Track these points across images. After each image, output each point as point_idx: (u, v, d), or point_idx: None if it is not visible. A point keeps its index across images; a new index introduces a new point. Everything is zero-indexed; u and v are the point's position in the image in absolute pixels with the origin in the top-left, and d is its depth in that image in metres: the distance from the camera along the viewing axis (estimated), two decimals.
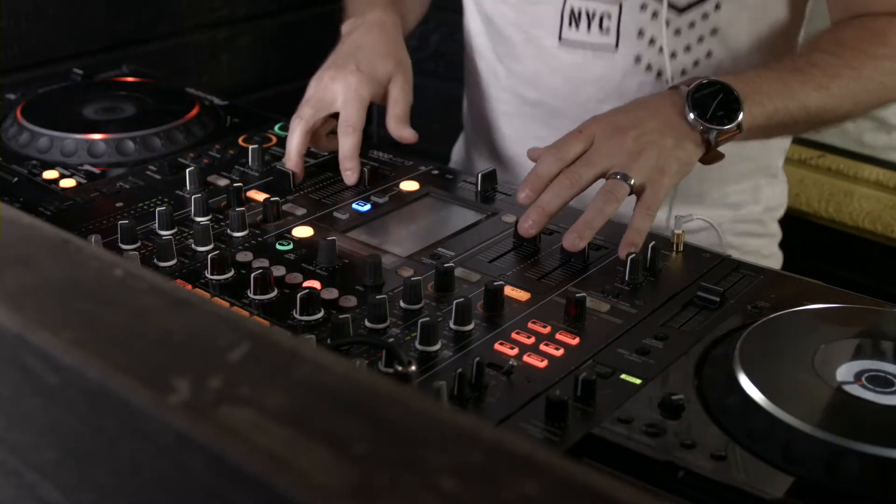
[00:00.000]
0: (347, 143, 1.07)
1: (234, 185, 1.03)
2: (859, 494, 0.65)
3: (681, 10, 1.14)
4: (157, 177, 1.08)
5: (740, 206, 1.27)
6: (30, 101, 1.23)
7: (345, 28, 1.20)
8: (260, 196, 1.03)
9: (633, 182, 0.94)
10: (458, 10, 1.37)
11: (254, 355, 0.41)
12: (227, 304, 0.85)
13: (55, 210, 1.01)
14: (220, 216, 1.00)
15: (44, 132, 1.14)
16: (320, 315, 0.83)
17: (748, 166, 1.25)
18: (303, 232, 0.97)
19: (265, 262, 0.91)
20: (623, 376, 0.77)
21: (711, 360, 0.78)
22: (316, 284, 0.88)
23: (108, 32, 1.47)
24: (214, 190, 1.05)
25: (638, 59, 1.16)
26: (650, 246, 0.92)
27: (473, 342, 0.81)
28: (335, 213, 1.02)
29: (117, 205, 1.02)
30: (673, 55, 1.15)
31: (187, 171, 1.06)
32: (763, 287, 0.90)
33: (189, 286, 0.88)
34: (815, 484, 0.66)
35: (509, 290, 0.87)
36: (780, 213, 1.34)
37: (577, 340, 0.81)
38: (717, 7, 1.14)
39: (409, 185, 1.08)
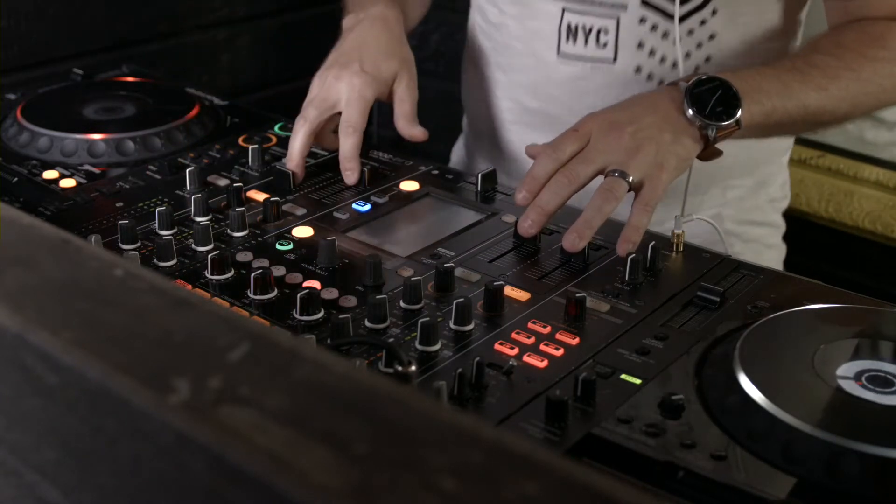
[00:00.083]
0: (348, 144, 1.07)
1: (234, 185, 1.03)
2: (859, 494, 0.65)
3: (680, 20, 1.14)
4: (157, 177, 1.08)
5: (744, 198, 1.27)
6: (30, 101, 1.23)
7: (346, 23, 1.19)
8: (260, 196, 1.03)
9: (631, 179, 0.94)
10: (458, 10, 1.37)
11: (254, 355, 0.41)
12: (227, 304, 0.85)
13: (55, 210, 1.01)
14: (220, 216, 1.00)
15: (44, 132, 1.14)
16: (320, 315, 0.83)
17: (753, 158, 1.25)
18: (303, 232, 0.97)
19: (265, 262, 0.91)
20: (623, 376, 0.77)
21: (711, 360, 0.78)
22: (316, 284, 0.88)
23: (108, 32, 1.47)
24: (214, 190, 1.05)
25: (638, 70, 1.16)
26: (650, 246, 0.92)
27: (473, 342, 0.81)
28: (335, 213, 1.02)
29: (117, 205, 1.02)
30: (674, 65, 1.15)
31: (187, 171, 1.06)
32: (763, 287, 0.90)
33: (189, 286, 0.88)
34: (814, 484, 0.66)
35: (509, 290, 0.87)
36: (784, 204, 1.34)
37: (577, 340, 0.81)
38: (714, 13, 1.14)
39: (409, 185, 1.08)
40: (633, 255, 0.90)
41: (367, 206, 1.03)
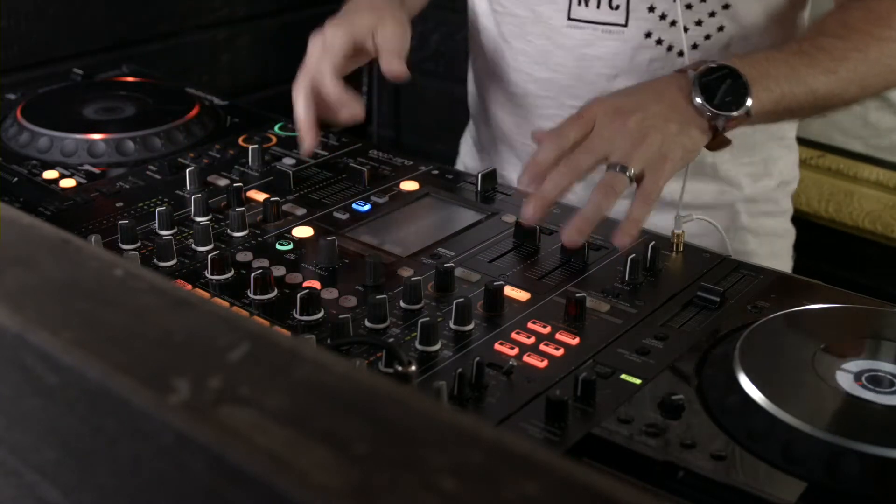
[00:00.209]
0: (300, 107, 1.07)
1: (234, 185, 1.03)
2: (859, 494, 0.65)
3: None
4: (157, 177, 1.08)
5: (755, 180, 1.26)
6: (30, 101, 1.23)
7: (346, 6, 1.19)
8: (260, 196, 1.03)
9: (633, 171, 0.93)
10: (458, 10, 1.37)
11: (254, 355, 0.41)
12: (227, 304, 0.85)
13: (55, 210, 1.01)
14: (220, 216, 1.00)
15: (44, 132, 1.14)
16: (320, 315, 0.83)
17: (761, 136, 1.24)
18: (303, 232, 0.97)
19: (265, 262, 0.91)
20: (623, 376, 0.77)
21: (711, 360, 0.78)
22: (316, 284, 0.88)
23: (108, 32, 1.47)
24: (214, 190, 1.05)
25: (648, 35, 1.15)
26: (650, 246, 0.92)
27: (473, 342, 0.81)
28: (335, 213, 1.02)
29: (117, 205, 1.02)
30: (685, 29, 1.14)
31: (187, 171, 1.06)
32: (763, 287, 0.90)
33: (189, 286, 0.88)
34: (814, 484, 0.66)
35: (509, 290, 0.87)
36: (794, 186, 1.33)
37: (577, 340, 0.81)
38: None
39: (409, 185, 1.08)
40: (634, 255, 0.90)
41: (367, 206, 1.03)
